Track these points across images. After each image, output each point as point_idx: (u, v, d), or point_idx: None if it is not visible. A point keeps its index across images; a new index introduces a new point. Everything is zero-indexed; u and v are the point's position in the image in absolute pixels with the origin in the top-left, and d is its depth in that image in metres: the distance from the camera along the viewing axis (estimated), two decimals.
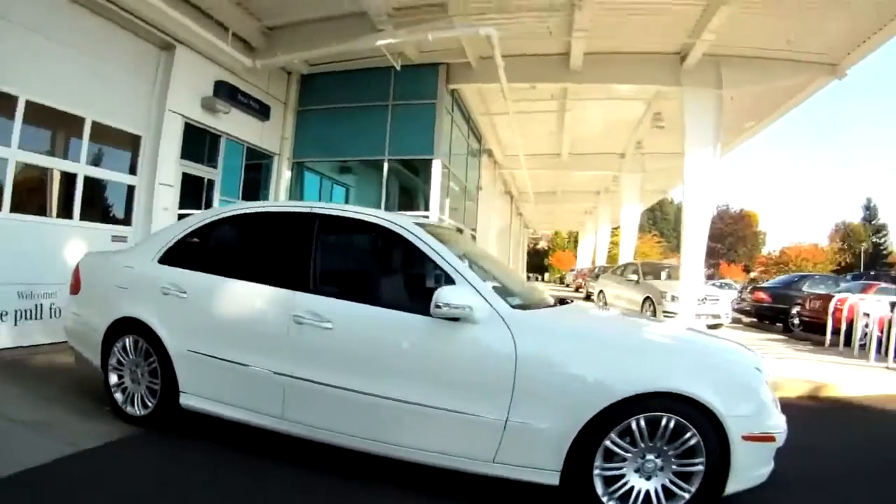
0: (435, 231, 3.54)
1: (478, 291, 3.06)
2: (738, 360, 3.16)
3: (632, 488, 2.78)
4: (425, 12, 8.09)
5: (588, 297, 15.24)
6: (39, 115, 5.90)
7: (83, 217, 6.45)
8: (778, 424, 2.92)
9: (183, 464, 3.43)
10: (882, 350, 7.96)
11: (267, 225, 3.97)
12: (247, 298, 3.56)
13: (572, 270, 37.41)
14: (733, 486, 2.77)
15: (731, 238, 72.91)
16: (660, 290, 11.99)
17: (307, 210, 3.68)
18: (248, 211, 4.11)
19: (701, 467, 2.73)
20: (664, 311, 11.32)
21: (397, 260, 3.53)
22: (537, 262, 61.84)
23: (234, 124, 8.81)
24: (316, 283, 3.41)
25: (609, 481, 2.78)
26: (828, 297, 10.22)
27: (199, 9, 7.44)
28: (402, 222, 3.44)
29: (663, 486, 2.78)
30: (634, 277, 13.79)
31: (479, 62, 9.71)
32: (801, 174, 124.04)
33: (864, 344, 8.46)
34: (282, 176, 10.40)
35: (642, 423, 2.76)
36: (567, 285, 34.80)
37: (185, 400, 3.65)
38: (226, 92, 8.27)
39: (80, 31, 6.33)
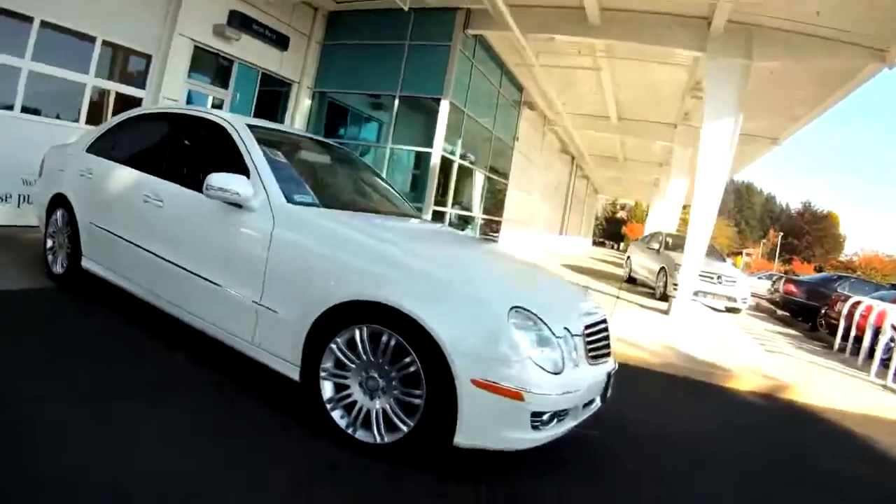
0: (262, 133, 3.84)
1: (262, 183, 3.33)
2: (490, 298, 2.77)
3: (354, 402, 2.81)
4: None
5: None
6: (53, 32, 6.91)
7: (88, 122, 7.39)
8: (532, 383, 2.57)
9: (61, 312, 4.25)
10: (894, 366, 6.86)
11: (148, 123, 4.62)
12: (124, 181, 4.21)
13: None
14: (463, 438, 2.59)
15: (810, 237, 69.38)
16: (674, 262, 11.88)
17: (166, 110, 4.36)
18: (138, 112, 4.78)
19: (420, 401, 2.63)
20: (674, 284, 11.26)
21: (219, 151, 3.66)
22: (615, 231, 60.87)
23: (247, 51, 9.58)
24: (161, 168, 3.96)
25: (337, 389, 2.85)
26: (855, 301, 8.85)
27: None
28: (230, 118, 3.81)
29: (384, 412, 2.73)
30: (656, 247, 13.73)
31: (496, 9, 9.86)
32: None
33: (888, 358, 7.16)
34: (300, 103, 11.22)
35: (365, 333, 2.76)
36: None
37: (85, 263, 4.42)
38: (238, 20, 9.02)
39: None
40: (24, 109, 6.85)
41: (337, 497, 2.43)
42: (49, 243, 4.88)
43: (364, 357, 2.78)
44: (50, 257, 4.85)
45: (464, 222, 13.18)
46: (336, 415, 2.84)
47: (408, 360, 2.68)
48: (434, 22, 10.43)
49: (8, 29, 6.57)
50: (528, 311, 2.71)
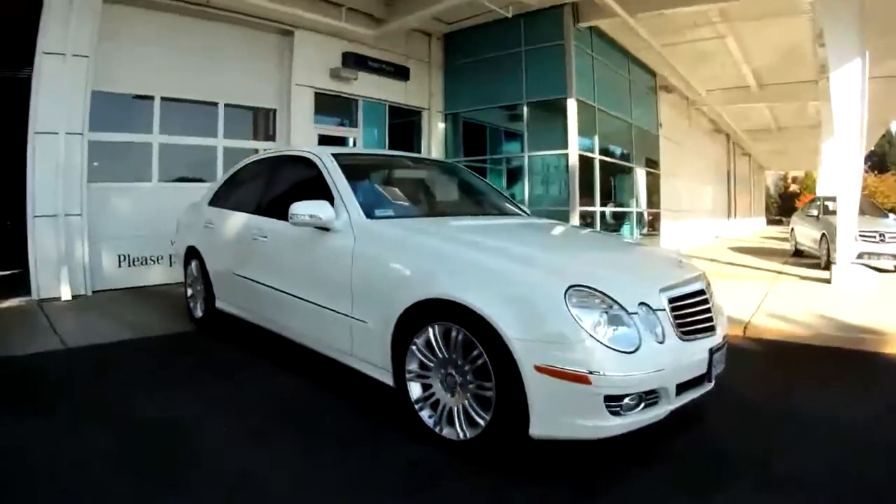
0: (346, 159, 3.98)
1: (343, 204, 3.44)
2: (546, 279, 2.59)
3: (438, 400, 2.83)
4: None
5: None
6: (177, 106, 7.85)
7: None
8: (600, 365, 2.36)
9: (198, 350, 4.65)
10: None
11: (252, 169, 4.88)
12: (237, 225, 4.50)
13: None
14: (539, 429, 2.45)
15: None
16: (835, 227, 10.51)
17: (266, 155, 4.63)
18: (244, 163, 5.06)
19: (492, 393, 2.55)
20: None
21: (309, 182, 3.79)
22: (790, 206, 55.22)
23: (368, 87, 9.97)
24: (264, 207, 4.22)
25: (423, 389, 2.89)
26: None
27: None
28: (317, 150, 3.97)
29: (464, 408, 2.70)
30: (815, 213, 12.26)
31: None
32: None
33: None
34: (434, 128, 11.44)
35: (438, 332, 2.76)
36: None
37: (219, 304, 4.80)
38: (353, 61, 9.43)
39: (201, 38, 8.12)
40: (177, 179, 7.70)
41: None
42: (189, 292, 5.36)
43: (441, 355, 2.79)
44: (191, 304, 5.32)
45: (617, 220, 12.60)
46: (424, 414, 2.87)
47: (475, 352, 2.62)
48: (543, 23, 10.17)
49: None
50: (590, 288, 2.52)
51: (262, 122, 8.81)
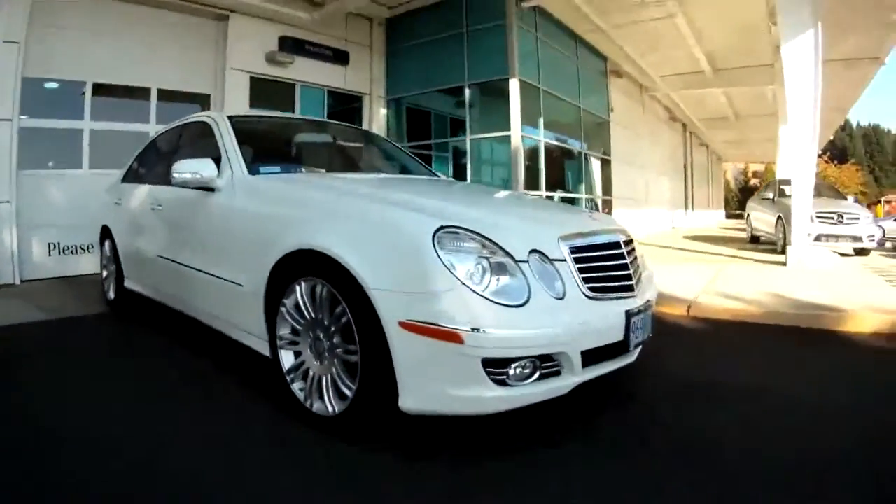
0: (244, 122, 3.81)
1: (228, 162, 3.22)
2: (413, 220, 2.29)
3: (308, 370, 2.53)
4: None
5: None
6: (110, 92, 7.73)
7: None
8: (475, 320, 2.03)
9: (98, 330, 4.56)
10: None
11: (161, 142, 4.68)
12: (139, 197, 4.37)
13: None
14: (409, 401, 2.14)
15: None
16: (791, 209, 10.59)
17: (172, 125, 4.48)
18: (154, 136, 4.92)
19: (357, 357, 2.24)
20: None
21: (206, 148, 3.54)
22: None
23: (306, 72, 9.88)
24: (162, 176, 4.00)
25: (296, 356, 2.60)
26: None
27: None
28: (215, 114, 3.75)
29: (331, 378, 2.39)
30: (771, 196, 12.20)
31: None
32: None
33: None
34: (376, 113, 11.35)
35: (305, 290, 2.48)
36: None
37: (126, 283, 4.66)
38: (290, 44, 9.35)
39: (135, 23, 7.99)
40: (109, 166, 7.49)
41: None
42: (104, 273, 5.22)
43: (308, 317, 2.49)
44: (105, 286, 5.19)
45: None
46: (296, 387, 2.54)
47: (339, 309, 2.31)
48: (485, 3, 10.22)
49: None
50: (465, 230, 2.19)
51: (198, 108, 8.65)
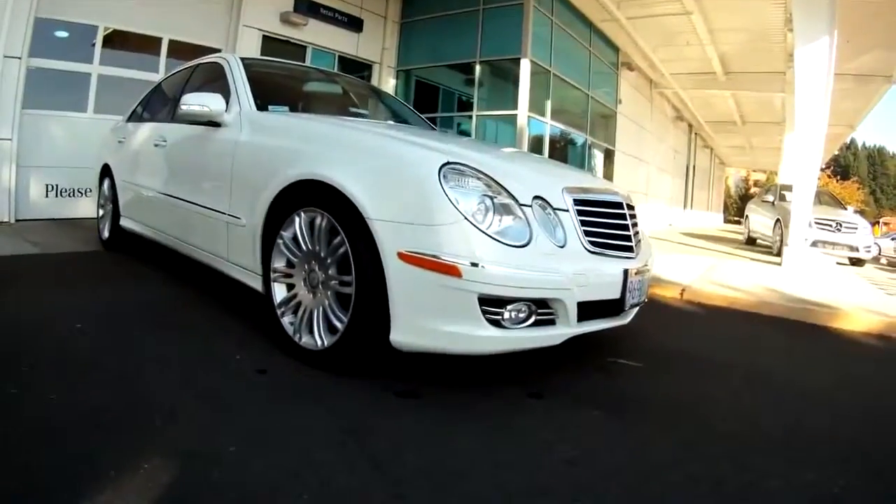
0: (256, 64, 3.82)
1: (237, 98, 3.19)
2: (422, 155, 2.31)
3: (299, 303, 2.51)
4: None
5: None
6: (120, 38, 7.58)
7: None
8: (474, 254, 2.01)
9: (91, 265, 4.51)
10: None
11: (170, 82, 4.61)
12: (143, 135, 4.34)
13: None
14: (401, 334, 2.13)
15: None
16: (790, 213, 10.62)
17: (183, 67, 4.41)
18: (162, 78, 4.92)
19: (351, 289, 2.22)
20: None
21: (216, 87, 3.47)
22: None
23: (319, 35, 9.77)
24: (168, 114, 4.04)
25: (289, 289, 2.58)
26: None
27: None
28: (228, 56, 3.67)
29: (323, 311, 2.38)
30: (771, 199, 12.26)
31: None
32: None
33: None
34: (384, 83, 11.22)
35: (304, 220, 2.46)
36: None
37: (122, 222, 4.60)
38: (305, 6, 9.25)
39: None
40: (113, 112, 7.43)
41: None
42: (100, 212, 5.19)
43: (305, 248, 2.47)
44: (100, 225, 5.16)
45: None
46: (286, 321, 2.54)
47: (337, 240, 2.30)
48: None
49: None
50: (470, 167, 2.19)
51: None
